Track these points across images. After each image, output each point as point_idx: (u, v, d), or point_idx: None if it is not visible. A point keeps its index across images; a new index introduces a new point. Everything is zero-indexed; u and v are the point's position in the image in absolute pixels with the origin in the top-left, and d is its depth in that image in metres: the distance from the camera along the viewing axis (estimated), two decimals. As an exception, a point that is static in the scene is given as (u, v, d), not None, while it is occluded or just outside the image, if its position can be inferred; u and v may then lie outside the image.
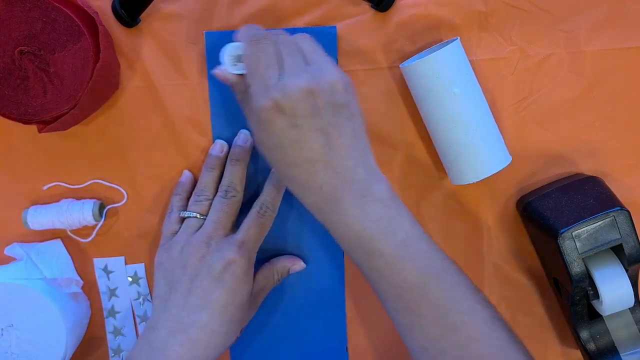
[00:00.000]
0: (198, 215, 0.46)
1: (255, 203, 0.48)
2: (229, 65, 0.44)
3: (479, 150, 0.47)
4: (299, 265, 0.52)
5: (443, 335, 0.40)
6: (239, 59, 0.43)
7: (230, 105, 0.51)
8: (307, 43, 0.43)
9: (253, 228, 0.47)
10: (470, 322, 0.40)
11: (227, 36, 0.50)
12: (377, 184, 0.41)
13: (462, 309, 0.41)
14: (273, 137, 0.40)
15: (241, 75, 0.43)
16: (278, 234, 0.53)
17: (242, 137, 0.50)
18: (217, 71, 0.44)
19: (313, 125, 0.39)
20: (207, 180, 0.49)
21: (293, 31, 0.49)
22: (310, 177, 0.40)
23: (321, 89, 0.39)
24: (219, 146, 0.50)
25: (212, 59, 0.50)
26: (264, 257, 0.53)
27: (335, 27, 0.50)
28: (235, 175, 0.48)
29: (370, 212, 0.40)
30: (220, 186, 0.48)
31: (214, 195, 0.48)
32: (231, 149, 0.50)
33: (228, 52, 0.43)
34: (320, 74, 0.40)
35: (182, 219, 0.48)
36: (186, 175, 0.51)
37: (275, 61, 0.41)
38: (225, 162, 0.50)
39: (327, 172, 0.40)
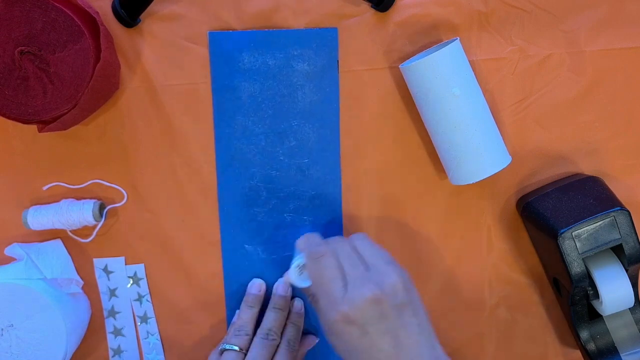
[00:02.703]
0: (237, 349, 0.48)
1: (282, 341, 0.50)
2: (296, 279, 0.47)
3: (479, 150, 0.47)
4: (313, 342, 0.54)
5: None
6: (304, 268, 0.47)
7: (231, 106, 0.51)
8: (363, 245, 0.45)
9: None
10: None
11: (230, 36, 0.50)
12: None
13: None
14: (346, 344, 0.42)
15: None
16: (279, 233, 0.53)
17: (282, 288, 0.53)
18: (284, 281, 0.50)
19: (381, 330, 0.41)
20: (247, 317, 0.51)
21: (296, 32, 0.50)
22: None
23: (385, 295, 0.41)
24: (257, 285, 0.53)
25: (216, 59, 0.50)
26: (267, 256, 0.53)
27: (336, 29, 0.50)
28: (277, 322, 0.51)
29: None
30: (261, 327, 0.50)
31: (253, 332, 0.50)
32: (273, 298, 0.53)
33: (295, 265, 0.47)
34: (382, 278, 0.42)
35: (222, 352, 0.49)
36: (237, 315, 0.53)
37: (338, 274, 0.43)
38: (262, 298, 0.53)
39: None
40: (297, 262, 0.47)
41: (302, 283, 0.47)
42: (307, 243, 0.47)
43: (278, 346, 0.49)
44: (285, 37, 0.50)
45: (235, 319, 0.52)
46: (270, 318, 0.50)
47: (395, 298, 0.42)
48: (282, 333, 0.50)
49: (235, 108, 0.51)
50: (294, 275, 0.47)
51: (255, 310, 0.51)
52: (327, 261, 0.44)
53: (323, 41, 0.50)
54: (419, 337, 0.42)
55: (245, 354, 0.48)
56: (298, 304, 0.53)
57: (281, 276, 0.53)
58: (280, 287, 0.53)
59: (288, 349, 0.49)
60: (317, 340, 0.54)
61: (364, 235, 0.47)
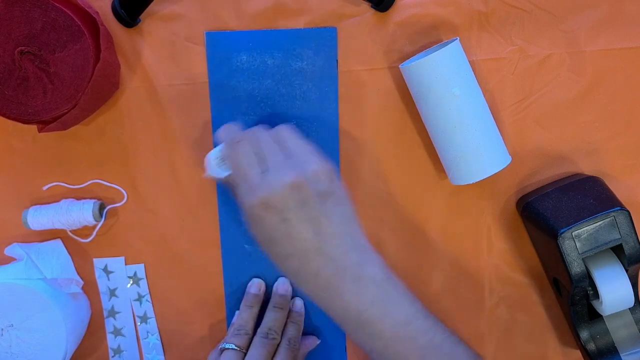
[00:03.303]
0: (237, 348, 0.48)
1: (282, 340, 0.49)
2: (215, 169, 0.45)
3: (479, 150, 0.47)
4: (314, 343, 0.54)
5: None
6: (223, 159, 0.45)
7: (230, 106, 0.51)
8: (286, 134, 0.44)
9: None
10: None
11: (227, 36, 0.50)
12: (371, 266, 0.42)
13: None
14: (265, 232, 0.41)
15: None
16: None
17: (282, 287, 0.53)
18: (207, 175, 0.46)
19: (302, 217, 0.40)
20: (247, 316, 0.51)
21: (293, 33, 0.50)
22: (304, 267, 0.41)
23: (305, 181, 0.40)
24: (257, 285, 0.53)
25: (213, 59, 0.50)
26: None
27: (335, 28, 0.50)
28: (277, 321, 0.50)
29: (365, 294, 0.41)
30: (261, 327, 0.50)
31: (253, 331, 0.50)
32: (273, 297, 0.52)
33: (213, 156, 0.45)
34: (302, 165, 0.41)
35: (222, 351, 0.48)
36: (237, 315, 0.53)
37: (255, 160, 0.42)
38: (262, 298, 0.53)
39: (321, 259, 0.41)
40: (215, 153, 0.45)
41: (221, 173, 0.45)
42: (226, 132, 0.45)
43: (278, 345, 0.49)
44: (284, 37, 0.50)
45: (234, 319, 0.52)
46: (271, 317, 0.50)
47: (317, 185, 0.41)
48: (282, 332, 0.50)
49: (234, 108, 0.51)
50: (214, 165, 0.45)
51: (255, 310, 0.51)
52: (244, 147, 0.43)
53: (322, 41, 0.50)
54: (342, 227, 0.41)
55: (245, 353, 0.47)
56: (299, 303, 0.53)
57: (282, 275, 0.53)
58: (280, 287, 0.53)
59: (289, 348, 0.49)
60: (318, 342, 0.54)
61: (289, 127, 0.45)
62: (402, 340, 0.41)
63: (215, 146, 0.46)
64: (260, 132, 0.44)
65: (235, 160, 0.43)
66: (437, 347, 0.42)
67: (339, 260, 0.41)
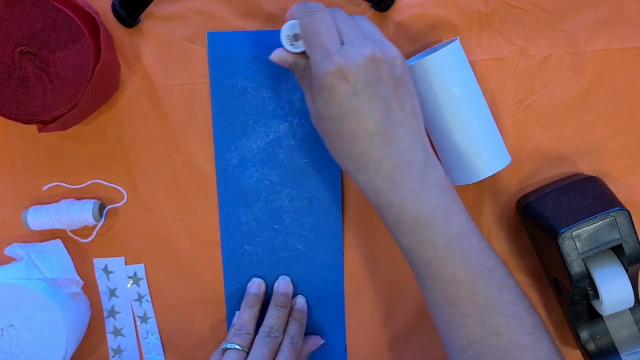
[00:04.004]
0: (239, 348, 0.47)
1: (285, 338, 0.49)
2: (286, 45, 0.43)
3: (479, 150, 0.47)
4: (318, 342, 0.53)
5: (484, 337, 0.39)
6: (295, 37, 0.42)
7: (230, 106, 0.51)
8: (364, 21, 0.43)
9: None
10: (514, 328, 0.39)
11: (229, 36, 0.50)
12: (435, 169, 0.40)
13: (508, 313, 0.39)
14: (334, 105, 0.39)
15: (299, 54, 0.43)
16: (279, 233, 0.53)
17: (283, 284, 0.53)
18: (274, 54, 0.43)
19: (374, 95, 0.38)
20: (247, 316, 0.50)
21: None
22: (368, 152, 0.39)
23: (383, 59, 0.39)
24: (257, 284, 0.53)
25: (214, 59, 0.50)
26: (267, 256, 0.53)
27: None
28: (279, 319, 0.50)
29: (427, 197, 0.39)
30: (263, 325, 0.49)
31: (254, 331, 0.49)
32: (274, 295, 0.52)
33: (284, 32, 0.43)
34: (381, 45, 0.40)
35: (224, 351, 0.48)
36: (237, 316, 0.52)
37: (334, 30, 0.40)
38: (262, 298, 0.52)
39: (387, 147, 0.39)
40: (287, 29, 0.43)
41: (294, 49, 0.43)
42: (300, 5, 0.42)
43: (281, 344, 0.48)
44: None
45: (235, 320, 0.52)
46: (272, 316, 0.50)
47: (394, 69, 0.39)
48: (284, 331, 0.50)
49: (234, 108, 0.51)
50: (286, 43, 0.43)
51: (255, 310, 0.51)
52: (323, 15, 0.40)
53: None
54: (411, 120, 0.39)
55: (248, 353, 0.47)
56: (300, 301, 0.53)
57: (283, 274, 0.53)
58: (281, 285, 0.53)
59: (291, 346, 0.48)
60: (322, 341, 0.54)
61: (365, 17, 0.43)
62: (454, 254, 0.39)
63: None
64: (339, 10, 0.42)
65: (311, 30, 0.40)
66: (489, 272, 0.40)
67: (406, 153, 0.39)
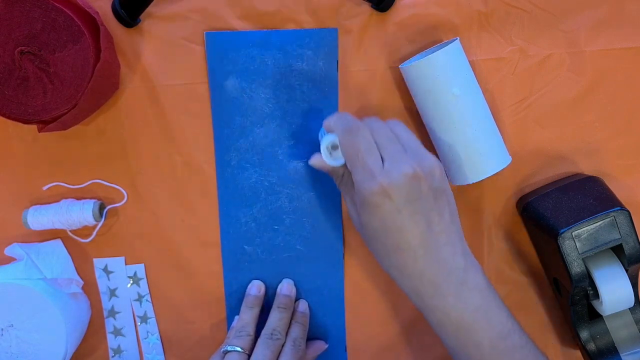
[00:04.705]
0: (241, 350, 0.47)
1: (287, 340, 0.49)
2: (326, 157, 0.45)
3: (479, 150, 0.47)
4: (322, 347, 0.54)
5: None
6: (334, 147, 0.45)
7: (229, 107, 0.51)
8: (400, 129, 0.44)
9: None
10: None
11: (227, 37, 0.50)
12: (475, 272, 0.43)
13: None
14: (379, 221, 0.41)
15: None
16: (278, 234, 0.53)
17: (287, 287, 0.53)
18: (313, 160, 0.46)
19: (416, 210, 0.40)
20: (248, 318, 0.50)
21: (296, 33, 0.50)
22: (412, 263, 0.41)
23: (422, 174, 0.41)
24: (257, 286, 0.53)
25: (213, 59, 0.50)
26: (266, 257, 0.53)
27: (336, 29, 0.50)
28: (281, 321, 0.50)
29: (468, 300, 0.41)
30: (265, 327, 0.49)
31: (255, 332, 0.49)
32: (277, 297, 0.52)
33: (325, 144, 0.45)
34: (420, 159, 0.41)
35: (224, 354, 0.48)
36: (237, 319, 0.52)
37: (374, 147, 0.42)
38: (262, 299, 0.53)
39: (429, 257, 0.41)
40: (326, 141, 0.45)
41: (334, 162, 0.45)
42: (338, 120, 0.44)
43: (283, 346, 0.48)
44: (284, 38, 0.50)
45: (234, 323, 0.52)
46: (275, 317, 0.50)
47: (433, 181, 0.41)
48: (286, 333, 0.50)
49: (233, 108, 0.51)
50: (326, 155, 0.45)
51: (256, 311, 0.51)
52: (363, 133, 0.43)
53: (323, 41, 0.50)
54: (451, 227, 0.42)
55: (249, 355, 0.47)
56: (303, 304, 0.53)
57: (284, 275, 0.53)
58: (284, 287, 0.53)
59: (294, 349, 0.48)
60: (326, 346, 0.54)
61: (400, 121, 0.45)
62: (498, 353, 0.42)
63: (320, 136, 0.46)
64: (377, 122, 0.44)
65: (354, 147, 0.42)
66: None
67: (447, 262, 0.41)
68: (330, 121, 0.45)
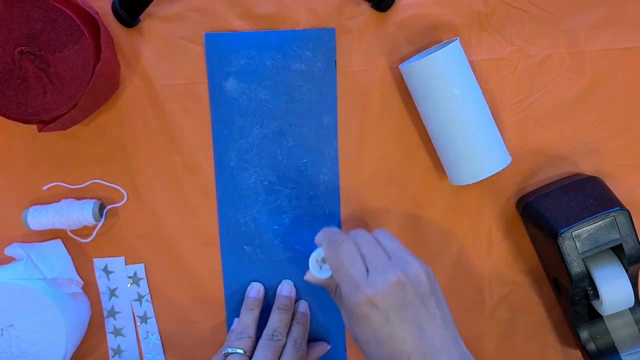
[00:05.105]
0: (242, 352, 0.47)
1: (288, 341, 0.49)
2: (315, 270, 0.46)
3: (479, 150, 0.47)
4: (325, 348, 0.54)
5: None
6: (324, 261, 0.46)
7: (228, 107, 0.51)
8: (385, 238, 0.44)
9: None
10: None
11: (226, 37, 0.50)
12: None
13: None
14: (370, 331, 0.41)
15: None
16: (278, 234, 0.53)
17: (287, 288, 0.53)
18: (307, 276, 0.47)
19: (405, 317, 0.40)
20: (248, 320, 0.50)
21: (294, 33, 0.50)
22: None
23: (408, 281, 0.41)
24: (256, 288, 0.53)
25: (212, 60, 0.50)
26: (266, 257, 0.53)
27: (333, 29, 0.50)
28: (282, 322, 0.50)
29: None
30: (266, 329, 0.49)
31: (255, 334, 0.49)
32: (277, 298, 0.52)
33: (313, 258, 0.46)
34: (405, 266, 0.41)
35: (226, 356, 0.48)
36: (236, 322, 0.53)
37: (359, 259, 0.43)
38: (262, 301, 0.53)
39: None
40: (315, 255, 0.47)
41: (323, 274, 0.46)
42: (324, 233, 0.46)
43: (284, 347, 0.48)
44: (283, 38, 0.50)
45: (234, 325, 0.52)
46: (275, 319, 0.50)
47: (420, 286, 0.41)
48: (287, 334, 0.50)
49: (232, 109, 0.51)
50: (314, 269, 0.46)
51: (255, 313, 0.51)
52: (347, 246, 0.43)
53: (321, 42, 0.50)
54: (444, 331, 0.41)
55: (250, 357, 0.47)
56: (303, 304, 0.53)
57: (285, 279, 0.53)
58: (284, 288, 0.53)
59: (294, 349, 0.48)
60: (329, 347, 0.54)
61: (386, 230, 0.46)
62: None
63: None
64: (362, 233, 0.45)
65: (338, 260, 0.43)
66: None
67: None
68: (318, 236, 0.46)
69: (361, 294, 0.40)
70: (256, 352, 0.47)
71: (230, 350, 0.47)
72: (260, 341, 0.48)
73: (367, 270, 0.42)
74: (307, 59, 0.51)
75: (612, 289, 0.46)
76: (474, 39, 0.51)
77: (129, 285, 0.54)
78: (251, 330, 0.49)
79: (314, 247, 0.53)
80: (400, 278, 0.40)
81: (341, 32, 0.50)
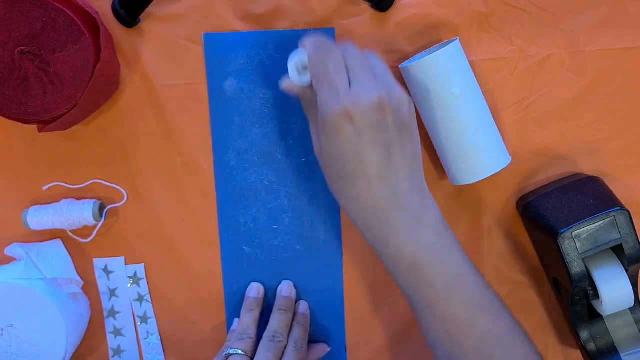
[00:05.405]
0: (242, 353, 0.47)
1: (289, 342, 0.49)
2: (293, 75, 0.42)
3: (479, 150, 0.47)
4: (325, 350, 0.53)
5: None
6: (304, 68, 0.42)
7: (227, 107, 0.51)
8: (375, 60, 0.43)
9: None
10: (509, 356, 0.41)
11: (226, 38, 0.50)
12: (431, 212, 0.41)
13: (504, 344, 0.41)
14: (337, 145, 0.39)
15: (308, 86, 0.43)
16: (278, 234, 0.53)
17: (287, 288, 0.52)
18: (283, 83, 0.44)
19: (377, 139, 0.39)
20: (248, 320, 0.50)
21: (293, 33, 0.50)
22: (365, 194, 0.40)
23: (390, 104, 0.39)
24: (256, 289, 0.53)
25: (211, 60, 0.50)
26: (266, 257, 0.53)
27: (333, 29, 0.50)
28: (283, 323, 0.49)
29: (422, 238, 0.40)
30: (267, 330, 0.49)
31: (256, 335, 0.49)
32: (277, 299, 0.52)
33: (293, 62, 0.42)
34: (389, 89, 0.40)
35: (227, 357, 0.47)
36: (236, 323, 0.52)
37: (344, 69, 0.40)
38: (262, 302, 0.52)
39: (384, 191, 0.40)
40: (295, 57, 0.42)
41: (301, 80, 0.42)
42: (312, 38, 0.42)
43: (285, 348, 0.48)
44: (282, 38, 0.50)
45: (234, 326, 0.52)
46: (276, 320, 0.50)
47: (399, 114, 0.40)
48: (288, 335, 0.50)
49: (232, 109, 0.51)
50: (293, 74, 0.42)
51: (256, 314, 0.51)
52: (334, 53, 0.40)
53: (322, 41, 0.50)
54: (411, 164, 0.40)
55: (251, 358, 0.47)
56: (303, 305, 0.53)
57: (285, 279, 0.53)
58: (284, 289, 0.53)
59: (295, 350, 0.48)
60: (329, 349, 0.54)
61: (377, 55, 0.43)
62: (452, 293, 0.40)
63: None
64: (352, 48, 0.42)
65: (322, 64, 0.40)
66: (485, 307, 0.41)
67: (403, 197, 0.40)
68: (304, 39, 0.42)
69: (339, 103, 0.38)
70: (257, 354, 0.47)
71: (231, 352, 0.47)
72: (261, 342, 0.48)
73: (351, 83, 0.40)
74: (307, 59, 0.50)
75: (612, 289, 0.46)
76: (474, 39, 0.51)
77: (129, 285, 0.54)
78: (252, 331, 0.49)
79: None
80: (383, 99, 0.39)
81: (341, 32, 0.50)
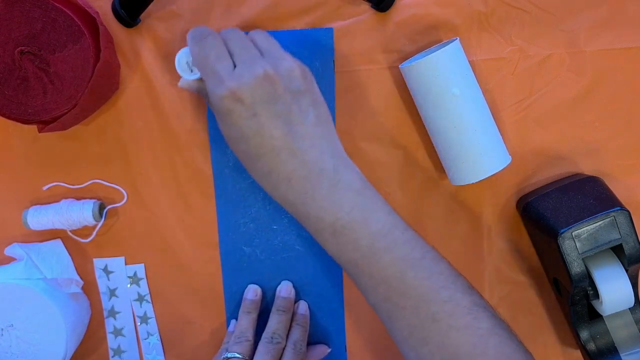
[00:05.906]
0: (240, 356, 0.46)
1: (288, 343, 0.48)
2: (184, 73, 0.43)
3: (479, 150, 0.47)
4: (325, 351, 0.53)
5: (423, 325, 0.40)
6: (194, 63, 0.42)
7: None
8: (260, 37, 0.42)
9: None
10: (450, 312, 0.39)
11: (227, 36, 0.50)
12: (347, 173, 0.40)
13: (442, 298, 0.40)
14: (235, 128, 0.39)
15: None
16: (277, 234, 0.53)
17: (286, 289, 0.52)
18: (180, 82, 0.44)
19: (272, 113, 0.38)
20: (246, 323, 0.50)
21: (292, 33, 0.50)
22: (277, 168, 0.39)
23: (278, 75, 0.39)
24: (253, 291, 0.52)
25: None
26: (265, 257, 0.53)
27: (332, 29, 0.50)
28: (282, 324, 0.49)
29: (342, 201, 0.39)
30: (266, 331, 0.49)
31: (254, 337, 0.49)
32: (276, 300, 0.52)
33: (180, 60, 0.43)
34: (276, 61, 0.39)
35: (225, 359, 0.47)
36: (233, 324, 0.52)
37: (225, 53, 0.40)
38: (259, 303, 0.52)
39: (294, 161, 0.39)
40: (182, 55, 0.43)
41: (193, 77, 0.43)
42: (191, 32, 0.42)
43: (284, 349, 0.48)
44: (281, 38, 0.50)
45: (232, 328, 0.52)
46: (275, 321, 0.49)
47: (291, 82, 0.39)
48: (287, 336, 0.49)
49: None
50: (184, 71, 0.43)
51: (253, 316, 0.51)
52: (212, 40, 0.40)
53: (319, 42, 0.50)
54: (317, 129, 0.39)
55: None
56: (303, 305, 0.53)
57: (284, 279, 0.53)
58: (283, 289, 0.52)
59: (294, 351, 0.48)
60: (329, 350, 0.54)
61: (262, 30, 0.43)
62: (379, 252, 0.39)
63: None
64: (232, 31, 0.42)
65: (201, 56, 0.40)
66: (417, 262, 0.40)
67: (314, 164, 0.39)
68: (187, 35, 0.42)
69: (224, 87, 0.38)
70: (256, 356, 0.46)
71: (229, 355, 0.46)
72: (260, 344, 0.47)
73: (235, 65, 0.39)
74: (305, 59, 0.50)
75: (612, 289, 0.46)
76: (474, 39, 0.51)
77: (129, 285, 0.54)
78: (249, 334, 0.49)
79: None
80: (269, 72, 0.38)
81: (341, 32, 0.50)
